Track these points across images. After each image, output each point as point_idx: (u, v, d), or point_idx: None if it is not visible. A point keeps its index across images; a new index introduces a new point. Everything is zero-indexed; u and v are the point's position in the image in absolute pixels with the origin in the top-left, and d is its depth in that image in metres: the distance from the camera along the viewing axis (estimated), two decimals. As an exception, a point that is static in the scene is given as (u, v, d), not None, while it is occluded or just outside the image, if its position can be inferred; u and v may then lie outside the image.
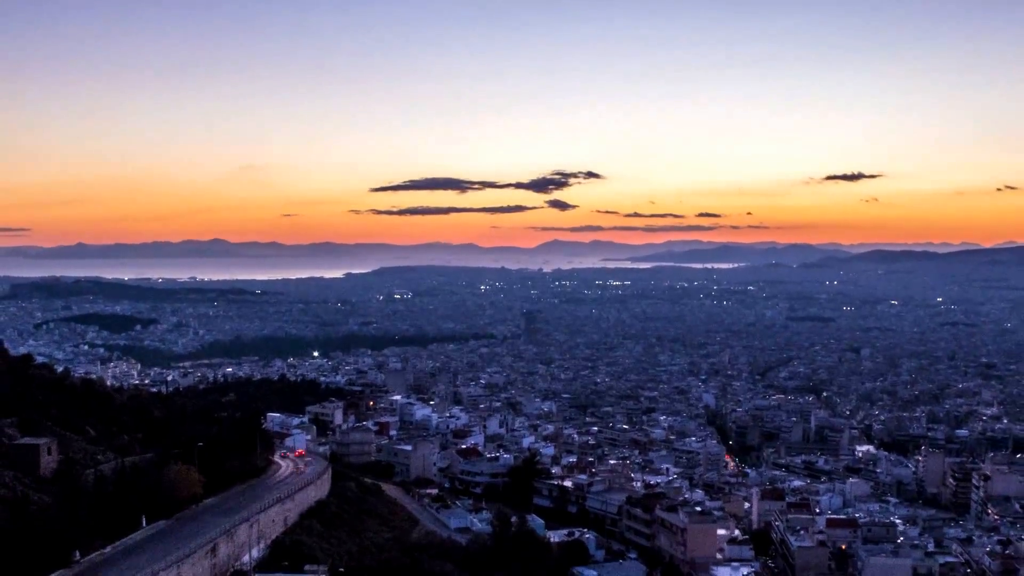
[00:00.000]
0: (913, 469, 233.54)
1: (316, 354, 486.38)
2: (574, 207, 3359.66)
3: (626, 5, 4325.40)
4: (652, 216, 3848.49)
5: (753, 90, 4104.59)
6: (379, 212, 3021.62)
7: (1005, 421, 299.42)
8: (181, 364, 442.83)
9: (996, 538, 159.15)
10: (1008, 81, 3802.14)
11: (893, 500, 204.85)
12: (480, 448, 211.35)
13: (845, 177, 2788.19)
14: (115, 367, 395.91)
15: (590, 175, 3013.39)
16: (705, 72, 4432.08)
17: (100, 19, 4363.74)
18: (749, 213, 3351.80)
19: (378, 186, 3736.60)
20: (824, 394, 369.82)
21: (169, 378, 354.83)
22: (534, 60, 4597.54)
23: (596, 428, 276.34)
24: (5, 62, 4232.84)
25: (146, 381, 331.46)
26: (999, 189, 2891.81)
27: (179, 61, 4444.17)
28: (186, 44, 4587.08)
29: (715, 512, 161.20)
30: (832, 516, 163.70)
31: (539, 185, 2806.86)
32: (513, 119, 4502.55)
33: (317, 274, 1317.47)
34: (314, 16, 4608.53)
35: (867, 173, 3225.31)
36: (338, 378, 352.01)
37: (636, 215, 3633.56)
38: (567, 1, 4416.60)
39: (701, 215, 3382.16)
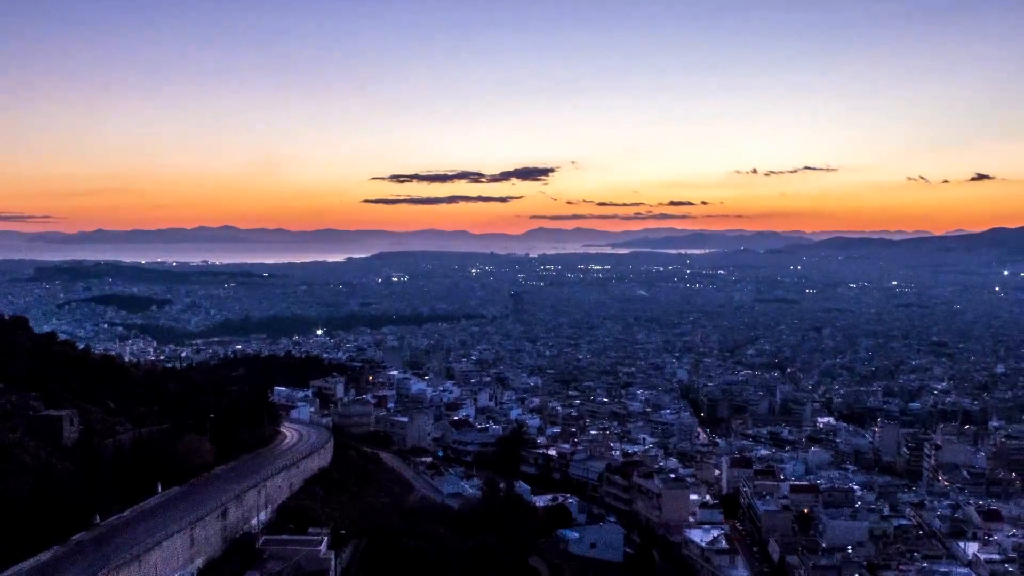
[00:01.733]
0: (870, 439, 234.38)
1: (319, 332, 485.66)
2: (558, 196, 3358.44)
3: (603, 8, 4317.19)
4: (631, 204, 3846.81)
5: (727, 89, 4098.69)
6: (378, 201, 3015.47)
7: (954, 395, 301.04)
8: (194, 341, 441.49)
9: (946, 502, 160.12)
10: (960, 81, 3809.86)
11: (851, 468, 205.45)
12: (471, 420, 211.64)
13: (809, 169, 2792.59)
14: (133, 344, 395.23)
15: (573, 165, 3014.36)
16: (682, 71, 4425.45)
17: (122, 23, 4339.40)
18: (722, 203, 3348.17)
19: (377, 177, 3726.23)
20: (788, 370, 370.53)
21: (183, 354, 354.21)
22: (518, 61, 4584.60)
23: (578, 401, 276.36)
24: (30, 62, 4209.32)
25: (161, 357, 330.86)
26: (971, 179, 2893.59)
27: (193, 63, 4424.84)
28: (201, 47, 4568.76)
29: (688, 479, 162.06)
30: (795, 482, 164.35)
31: (524, 175, 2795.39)
32: (500, 114, 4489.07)
33: (320, 258, 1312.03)
34: (319, 23, 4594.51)
35: (829, 166, 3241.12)
36: (340, 355, 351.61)
37: (616, 204, 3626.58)
38: (548, 7, 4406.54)
39: (674, 203, 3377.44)
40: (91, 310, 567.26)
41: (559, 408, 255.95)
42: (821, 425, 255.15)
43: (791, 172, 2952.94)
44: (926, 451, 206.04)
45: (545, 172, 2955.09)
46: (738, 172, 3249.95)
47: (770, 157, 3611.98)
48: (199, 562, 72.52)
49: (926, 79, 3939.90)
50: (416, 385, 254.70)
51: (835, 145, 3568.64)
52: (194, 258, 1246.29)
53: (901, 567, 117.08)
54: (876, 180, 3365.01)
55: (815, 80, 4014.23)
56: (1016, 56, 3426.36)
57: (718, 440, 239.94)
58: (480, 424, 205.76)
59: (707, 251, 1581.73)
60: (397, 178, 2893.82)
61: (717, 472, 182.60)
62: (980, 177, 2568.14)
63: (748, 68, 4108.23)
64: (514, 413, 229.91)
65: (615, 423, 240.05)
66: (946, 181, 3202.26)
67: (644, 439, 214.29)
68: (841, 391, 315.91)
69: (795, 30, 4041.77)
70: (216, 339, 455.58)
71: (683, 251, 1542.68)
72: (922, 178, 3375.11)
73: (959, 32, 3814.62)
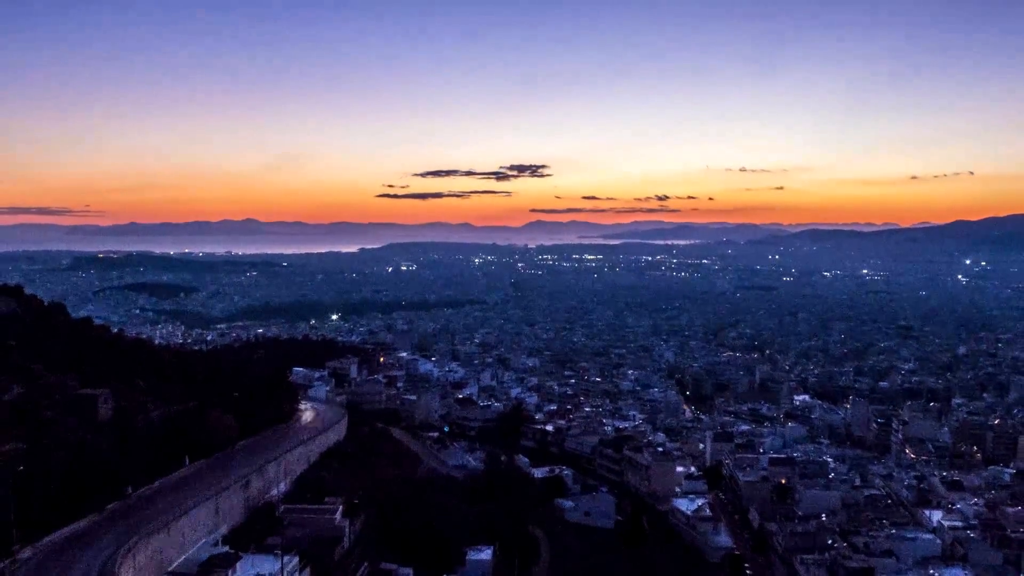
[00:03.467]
0: (842, 415, 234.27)
1: (334, 317, 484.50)
2: (555, 191, 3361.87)
3: (597, 24, 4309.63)
4: (623, 199, 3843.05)
5: (712, 93, 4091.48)
6: (388, 196, 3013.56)
7: (920, 375, 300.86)
8: (219, 326, 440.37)
9: (912, 474, 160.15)
10: (925, 87, 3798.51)
11: (825, 442, 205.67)
12: (474, 397, 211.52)
13: (786, 168, 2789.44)
14: (162, 328, 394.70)
15: (568, 162, 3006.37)
16: (669, 78, 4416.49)
17: (155, 35, 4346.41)
18: (710, 198, 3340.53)
19: (388, 175, 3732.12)
20: (767, 351, 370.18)
21: (208, 338, 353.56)
22: (517, 71, 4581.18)
23: (573, 380, 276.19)
24: (68, 73, 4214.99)
25: (188, 340, 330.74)
26: (936, 176, 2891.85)
27: (220, 71, 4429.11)
28: (227, 57, 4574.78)
29: (674, 452, 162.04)
30: (773, 455, 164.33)
31: (523, 171, 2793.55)
32: (502, 117, 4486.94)
33: (335, 249, 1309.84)
34: (335, 37, 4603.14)
35: (805, 165, 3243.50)
36: (353, 338, 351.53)
37: (606, 198, 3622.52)
38: (543, 22, 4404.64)
39: (660, 198, 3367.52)
40: (124, 297, 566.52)
41: (556, 387, 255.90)
42: (797, 402, 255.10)
43: (770, 170, 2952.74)
44: (894, 426, 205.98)
45: (543, 168, 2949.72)
46: (722, 169, 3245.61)
47: (750, 156, 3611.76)
48: (224, 529, 72.52)
49: (891, 84, 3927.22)
50: (424, 366, 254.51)
51: (811, 145, 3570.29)
52: (219, 249, 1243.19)
53: (871, 533, 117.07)
54: (847, 177, 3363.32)
55: (792, 86, 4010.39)
56: (963, 65, 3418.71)
57: (702, 416, 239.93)
58: (483, 402, 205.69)
59: (692, 242, 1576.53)
60: (405, 175, 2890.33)
61: (701, 446, 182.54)
62: (969, 173, 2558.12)
63: (730, 75, 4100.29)
64: (514, 391, 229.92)
65: (607, 401, 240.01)
66: (883, 181, 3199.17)
67: (634, 415, 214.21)
68: (815, 371, 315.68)
69: (776, 43, 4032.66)
70: (239, 324, 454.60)
71: (670, 242, 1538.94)
72: (880, 181, 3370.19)
73: (927, 39, 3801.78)
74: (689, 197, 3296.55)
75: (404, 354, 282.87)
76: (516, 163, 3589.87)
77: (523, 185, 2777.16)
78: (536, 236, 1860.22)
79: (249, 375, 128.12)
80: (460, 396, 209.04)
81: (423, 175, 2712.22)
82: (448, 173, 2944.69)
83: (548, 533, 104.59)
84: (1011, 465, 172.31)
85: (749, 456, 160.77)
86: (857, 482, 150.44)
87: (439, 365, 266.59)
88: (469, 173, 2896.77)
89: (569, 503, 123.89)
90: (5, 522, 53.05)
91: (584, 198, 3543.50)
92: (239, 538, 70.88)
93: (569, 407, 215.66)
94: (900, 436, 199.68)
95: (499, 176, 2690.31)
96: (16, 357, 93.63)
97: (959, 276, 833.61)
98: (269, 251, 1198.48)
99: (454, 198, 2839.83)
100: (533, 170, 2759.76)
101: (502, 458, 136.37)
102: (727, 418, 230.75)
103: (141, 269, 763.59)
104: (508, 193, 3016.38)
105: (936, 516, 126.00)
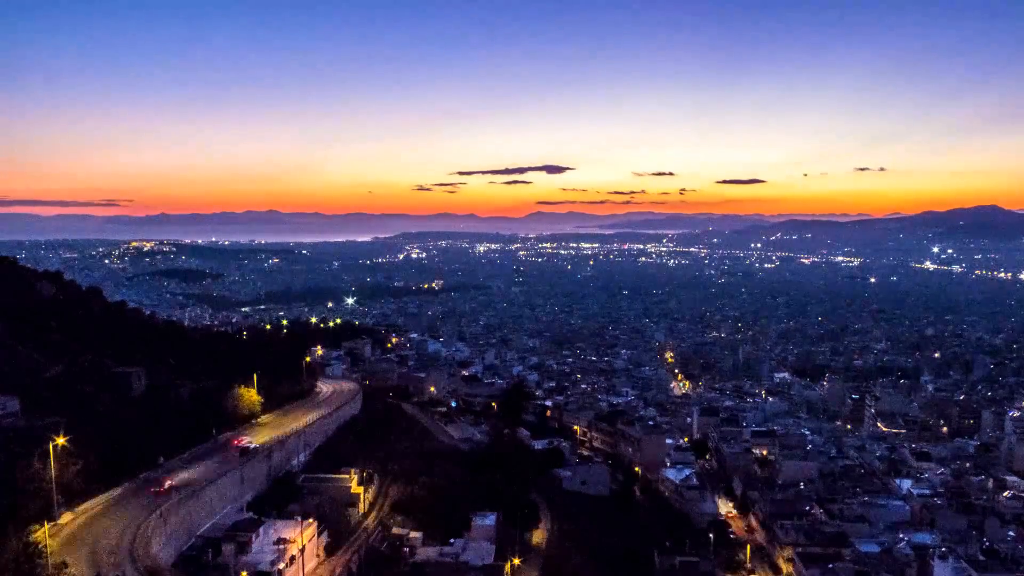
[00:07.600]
0: (819, 391, 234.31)
1: (350, 301, 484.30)
2: (556, 185, 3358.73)
3: (594, 41, 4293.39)
4: (618, 193, 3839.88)
5: (696, 100, 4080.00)
6: (400, 189, 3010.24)
7: (891, 354, 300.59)
8: (243, 309, 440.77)
9: (884, 445, 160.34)
10: (884, 95, 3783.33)
11: (803, 416, 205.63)
12: (479, 375, 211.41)
13: (768, 163, 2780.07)
14: (191, 311, 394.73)
15: (566, 160, 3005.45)
16: (653, 85, 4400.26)
17: (188, 48, 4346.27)
18: (695, 191, 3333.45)
19: (399, 171, 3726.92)
20: (749, 333, 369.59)
21: (234, 320, 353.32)
22: (521, 76, 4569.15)
23: (571, 359, 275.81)
24: (110, 79, 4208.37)
25: (215, 322, 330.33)
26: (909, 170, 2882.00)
27: (246, 77, 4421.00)
28: (252, 64, 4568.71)
29: (664, 426, 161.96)
30: (755, 429, 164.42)
31: (525, 167, 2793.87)
32: (504, 122, 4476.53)
33: (351, 238, 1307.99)
34: (352, 47, 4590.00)
35: (785, 162, 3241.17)
36: (367, 320, 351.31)
37: (605, 191, 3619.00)
38: (539, 38, 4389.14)
39: (648, 192, 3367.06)
40: (156, 282, 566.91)
41: (554, 365, 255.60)
42: (777, 380, 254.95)
43: (753, 166, 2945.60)
44: (867, 401, 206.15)
45: (542, 165, 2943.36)
46: (706, 163, 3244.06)
47: (735, 155, 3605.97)
48: (248, 497, 72.59)
49: (862, 89, 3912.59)
50: (432, 346, 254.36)
51: (790, 145, 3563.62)
52: (243, 238, 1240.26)
53: (846, 500, 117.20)
54: (825, 172, 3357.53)
55: (770, 93, 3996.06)
56: (926, 68, 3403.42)
57: (690, 392, 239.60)
58: (487, 379, 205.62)
59: (680, 232, 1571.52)
60: (417, 171, 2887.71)
61: (689, 420, 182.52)
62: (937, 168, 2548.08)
63: (713, 83, 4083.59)
64: (516, 370, 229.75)
65: (602, 378, 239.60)
66: (858, 175, 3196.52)
67: (627, 392, 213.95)
68: (794, 350, 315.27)
69: (766, 57, 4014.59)
70: (262, 307, 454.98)
71: (660, 232, 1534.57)
72: (856, 175, 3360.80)
73: (898, 46, 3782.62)
74: (681, 191, 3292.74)
75: (414, 335, 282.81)
76: (520, 160, 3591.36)
77: (526, 179, 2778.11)
78: (537, 226, 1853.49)
79: (271, 354, 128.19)
80: (466, 374, 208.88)
81: (432, 171, 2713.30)
82: (457, 170, 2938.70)
83: (547, 500, 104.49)
84: (975, 437, 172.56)
85: (733, 429, 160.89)
86: (833, 453, 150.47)
87: (447, 345, 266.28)
88: (483, 172, 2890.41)
89: (567, 473, 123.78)
90: (47, 489, 53.13)
91: (581, 191, 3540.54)
92: (262, 505, 70.96)
93: (567, 384, 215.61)
94: (873, 410, 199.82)
95: (505, 172, 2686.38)
96: (56, 337, 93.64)
97: (928, 263, 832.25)
98: (290, 240, 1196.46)
99: (461, 190, 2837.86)
100: (534, 169, 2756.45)
101: (505, 431, 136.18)
102: (713, 394, 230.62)
103: (171, 256, 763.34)
104: (512, 184, 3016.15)
105: (906, 484, 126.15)
